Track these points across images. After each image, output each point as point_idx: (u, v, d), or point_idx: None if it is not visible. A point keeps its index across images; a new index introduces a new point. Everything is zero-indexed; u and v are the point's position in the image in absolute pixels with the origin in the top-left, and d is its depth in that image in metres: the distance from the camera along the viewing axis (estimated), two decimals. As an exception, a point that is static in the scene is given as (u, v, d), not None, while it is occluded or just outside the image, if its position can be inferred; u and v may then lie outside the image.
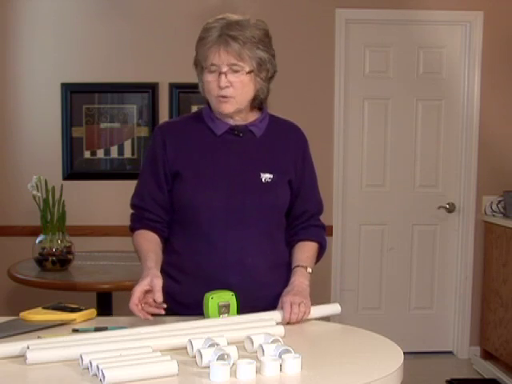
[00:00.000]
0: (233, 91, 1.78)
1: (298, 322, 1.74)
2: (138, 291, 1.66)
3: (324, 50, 4.08)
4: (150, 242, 1.84)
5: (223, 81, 1.76)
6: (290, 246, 1.95)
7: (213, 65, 1.76)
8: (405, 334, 4.19)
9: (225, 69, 1.76)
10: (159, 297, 1.65)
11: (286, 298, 1.75)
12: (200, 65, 1.82)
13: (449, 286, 4.35)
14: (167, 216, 1.88)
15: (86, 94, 3.99)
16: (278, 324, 1.66)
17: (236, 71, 1.77)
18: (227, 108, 1.80)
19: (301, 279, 1.85)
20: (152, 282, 1.66)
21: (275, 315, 1.72)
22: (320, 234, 1.97)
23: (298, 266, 1.88)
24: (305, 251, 1.93)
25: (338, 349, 1.58)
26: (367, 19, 4.12)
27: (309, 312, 1.77)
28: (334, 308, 1.90)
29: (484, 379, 3.99)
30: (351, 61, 4.16)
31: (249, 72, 1.78)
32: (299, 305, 1.74)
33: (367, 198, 4.27)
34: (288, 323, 1.72)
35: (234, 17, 1.79)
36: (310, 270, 1.89)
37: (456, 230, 4.32)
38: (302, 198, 1.94)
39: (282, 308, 1.75)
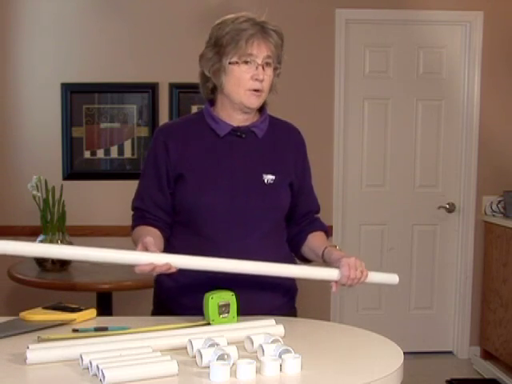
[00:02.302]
0: (264, 85, 1.78)
1: (353, 285, 1.76)
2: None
3: (324, 50, 4.09)
4: (148, 231, 1.81)
5: (262, 73, 1.76)
6: (297, 242, 1.95)
7: (250, 55, 1.75)
8: (405, 334, 4.19)
9: (262, 61, 1.76)
10: (153, 250, 1.61)
11: (345, 261, 1.75)
12: (227, 58, 1.77)
13: (449, 286, 4.35)
14: (169, 218, 1.88)
15: (86, 94, 3.99)
16: (332, 282, 1.74)
17: (269, 65, 1.78)
18: (257, 102, 1.80)
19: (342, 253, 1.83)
20: (143, 241, 1.62)
21: (333, 272, 1.74)
22: (323, 223, 2.01)
23: (328, 247, 1.87)
24: (321, 239, 1.95)
25: (338, 349, 1.58)
26: (367, 19, 4.12)
27: (366, 276, 1.77)
28: (391, 278, 1.88)
29: (484, 379, 3.99)
30: (351, 61, 4.16)
31: (275, 68, 1.80)
32: (357, 269, 1.74)
33: (367, 198, 4.27)
34: (343, 284, 1.75)
35: (252, 15, 1.80)
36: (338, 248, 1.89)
37: (456, 230, 4.32)
38: (305, 199, 1.96)
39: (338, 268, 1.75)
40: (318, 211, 2.02)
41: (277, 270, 1.74)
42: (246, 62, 1.76)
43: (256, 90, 1.77)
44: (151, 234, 1.74)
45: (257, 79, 1.76)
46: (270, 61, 1.77)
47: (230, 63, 1.77)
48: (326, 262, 1.86)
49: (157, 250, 1.62)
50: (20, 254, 1.54)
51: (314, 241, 1.94)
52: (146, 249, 1.61)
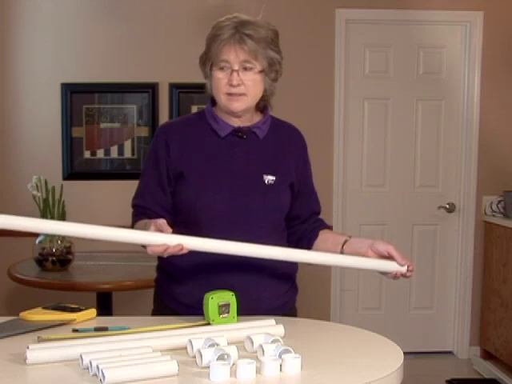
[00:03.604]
0: (244, 89, 1.78)
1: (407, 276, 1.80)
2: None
3: (324, 50, 4.09)
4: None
5: (235, 78, 1.76)
6: (308, 238, 1.95)
7: (225, 61, 1.76)
8: (405, 334, 4.19)
9: (237, 66, 1.76)
10: (168, 231, 1.60)
11: (386, 246, 1.79)
12: (210, 62, 1.80)
13: (449, 286, 4.36)
14: (169, 217, 1.87)
15: (86, 94, 3.99)
16: (387, 275, 1.78)
17: (248, 69, 1.77)
18: (238, 106, 1.80)
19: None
20: (156, 223, 1.61)
21: (390, 265, 1.77)
22: (328, 223, 2.02)
23: (348, 238, 1.89)
24: (336, 232, 2.00)
25: (338, 349, 1.58)
26: (367, 19, 4.12)
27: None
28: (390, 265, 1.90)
29: (484, 379, 3.99)
30: (351, 61, 4.16)
31: (260, 71, 1.79)
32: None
33: (367, 198, 4.27)
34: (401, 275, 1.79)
35: (246, 16, 1.80)
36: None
37: (456, 230, 4.32)
38: (307, 200, 1.97)
39: (383, 257, 1.79)
40: (320, 212, 2.03)
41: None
42: (222, 68, 1.77)
43: (231, 94, 1.78)
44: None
45: (231, 85, 1.76)
46: (248, 65, 1.77)
47: (210, 68, 1.80)
48: (343, 253, 1.87)
49: (171, 231, 1.60)
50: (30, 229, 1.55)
51: (329, 234, 1.96)
52: (159, 230, 1.60)
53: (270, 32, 1.80)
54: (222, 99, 1.80)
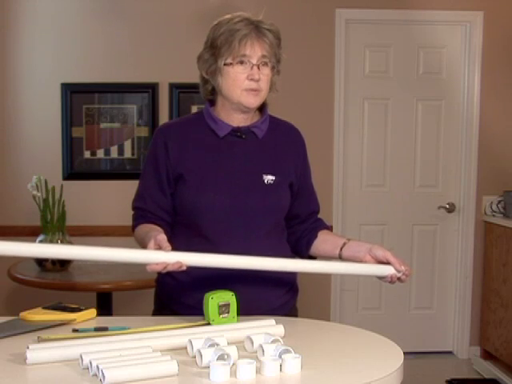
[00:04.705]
0: (262, 85, 1.78)
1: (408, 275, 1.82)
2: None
3: (324, 50, 4.09)
4: (155, 228, 1.80)
5: (257, 72, 1.76)
6: (308, 239, 1.95)
7: (245, 56, 1.75)
8: (405, 334, 4.19)
9: (257, 61, 1.76)
10: (167, 248, 1.59)
11: (385, 252, 1.82)
12: (223, 58, 1.77)
13: (449, 286, 4.35)
14: (170, 218, 1.88)
15: (86, 94, 3.99)
16: (383, 279, 1.81)
17: (265, 64, 1.77)
18: (254, 101, 1.79)
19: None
20: (156, 238, 1.60)
21: (385, 269, 1.80)
22: (327, 223, 2.02)
23: (350, 240, 1.89)
24: (336, 234, 2.02)
25: (338, 349, 1.58)
26: (367, 19, 4.12)
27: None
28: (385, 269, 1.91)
29: (484, 379, 3.99)
30: (351, 61, 4.16)
31: (272, 68, 1.80)
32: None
33: (367, 198, 4.27)
34: (396, 279, 1.81)
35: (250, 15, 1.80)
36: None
37: (456, 230, 4.32)
38: (307, 199, 1.97)
39: (380, 262, 1.82)
40: (319, 211, 2.03)
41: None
42: (241, 63, 1.76)
43: (253, 90, 1.77)
44: (161, 231, 1.73)
45: (252, 79, 1.76)
46: (266, 60, 1.77)
47: (224, 64, 1.77)
48: (341, 257, 1.88)
49: (170, 248, 1.59)
50: (25, 255, 1.54)
51: (329, 235, 1.96)
52: (159, 247, 1.59)
53: (278, 32, 1.82)
54: (237, 95, 1.78)
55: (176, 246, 1.81)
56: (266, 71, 1.78)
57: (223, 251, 1.72)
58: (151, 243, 1.60)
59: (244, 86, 1.77)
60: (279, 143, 1.91)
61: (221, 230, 1.80)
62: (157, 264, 1.57)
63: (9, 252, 1.49)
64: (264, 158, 1.87)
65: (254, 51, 1.75)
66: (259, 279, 1.81)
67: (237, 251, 1.73)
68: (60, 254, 1.65)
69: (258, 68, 1.76)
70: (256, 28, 1.76)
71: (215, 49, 1.79)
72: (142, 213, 1.88)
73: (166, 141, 1.85)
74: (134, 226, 1.90)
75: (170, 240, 1.75)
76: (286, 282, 1.90)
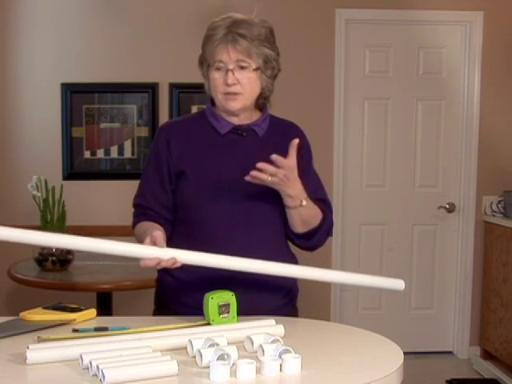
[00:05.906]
0: (240, 88, 1.79)
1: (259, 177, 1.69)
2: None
3: (324, 50, 4.09)
4: (154, 226, 1.80)
5: (230, 78, 1.77)
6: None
7: (220, 62, 1.77)
8: (405, 334, 4.19)
9: (232, 66, 1.77)
10: (162, 245, 1.60)
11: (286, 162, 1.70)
12: (206, 63, 1.82)
13: (449, 286, 4.35)
14: (170, 216, 1.88)
15: (86, 94, 3.99)
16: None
17: (243, 68, 1.78)
18: (235, 105, 1.81)
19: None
20: (152, 235, 1.61)
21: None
22: (325, 209, 1.91)
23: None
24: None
25: (337, 349, 1.58)
26: (367, 19, 4.12)
27: (285, 182, 1.72)
28: (397, 283, 1.89)
29: (484, 379, 3.99)
30: (351, 61, 4.16)
31: (256, 69, 1.80)
32: (284, 174, 1.69)
33: (367, 198, 4.27)
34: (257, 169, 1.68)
35: (240, 16, 1.81)
36: (304, 202, 1.79)
37: (456, 230, 4.32)
38: (311, 195, 1.94)
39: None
40: (328, 203, 1.94)
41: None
42: (218, 68, 1.79)
43: (228, 94, 1.79)
44: (158, 228, 1.74)
45: (227, 84, 1.78)
46: (244, 64, 1.78)
47: (207, 69, 1.82)
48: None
49: (165, 245, 1.61)
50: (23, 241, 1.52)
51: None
52: (154, 243, 1.60)
53: (264, 29, 1.81)
54: (219, 99, 1.82)
55: (176, 244, 1.82)
56: (246, 74, 1.79)
57: (224, 248, 1.72)
58: (147, 239, 1.61)
59: (222, 90, 1.80)
60: (280, 141, 1.90)
61: (221, 228, 1.80)
62: (150, 259, 1.57)
63: (7, 238, 1.48)
64: (265, 156, 1.86)
65: (229, 57, 1.77)
66: (260, 281, 1.80)
67: (237, 248, 1.73)
68: (48, 242, 1.61)
69: (233, 73, 1.77)
70: (229, 33, 1.76)
71: (202, 52, 1.84)
72: (143, 210, 1.89)
73: (168, 138, 1.87)
74: (134, 224, 1.91)
75: (169, 238, 1.75)
76: (286, 284, 1.90)
